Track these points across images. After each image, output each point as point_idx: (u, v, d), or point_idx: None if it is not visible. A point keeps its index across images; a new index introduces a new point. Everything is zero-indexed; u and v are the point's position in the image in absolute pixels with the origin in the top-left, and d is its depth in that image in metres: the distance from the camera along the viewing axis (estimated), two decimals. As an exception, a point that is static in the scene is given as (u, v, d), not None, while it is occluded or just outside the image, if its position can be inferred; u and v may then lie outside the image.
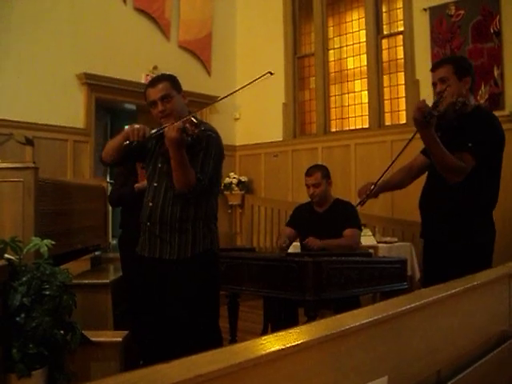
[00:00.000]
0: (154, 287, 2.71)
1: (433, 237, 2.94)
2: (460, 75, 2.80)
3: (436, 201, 2.88)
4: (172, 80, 2.79)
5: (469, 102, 2.76)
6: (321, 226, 3.89)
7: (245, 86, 2.74)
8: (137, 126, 2.57)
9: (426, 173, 3.08)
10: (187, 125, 2.41)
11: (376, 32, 7.61)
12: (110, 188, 5.38)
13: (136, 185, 3.96)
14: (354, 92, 7.94)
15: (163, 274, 2.67)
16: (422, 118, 2.51)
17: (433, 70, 2.94)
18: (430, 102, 2.68)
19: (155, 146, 2.78)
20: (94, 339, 2.89)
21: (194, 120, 2.49)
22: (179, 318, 2.66)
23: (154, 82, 2.76)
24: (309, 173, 4.07)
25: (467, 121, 2.75)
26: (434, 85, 2.90)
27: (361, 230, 4.12)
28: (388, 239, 6.15)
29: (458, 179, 2.70)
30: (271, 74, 2.76)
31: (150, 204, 2.70)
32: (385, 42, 7.62)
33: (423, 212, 3.00)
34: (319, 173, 4.03)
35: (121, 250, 4.15)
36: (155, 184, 2.72)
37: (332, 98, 8.18)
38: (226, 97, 2.80)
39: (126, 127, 2.61)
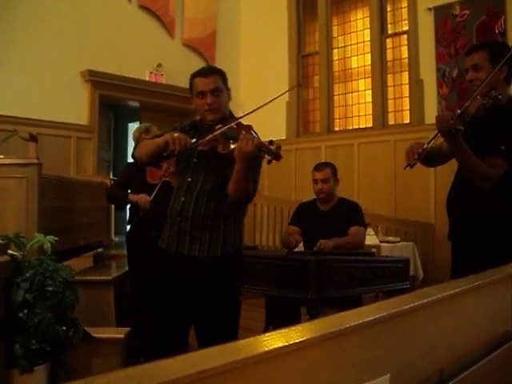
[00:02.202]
0: (177, 283, 2.62)
1: (461, 241, 2.73)
2: (495, 63, 2.48)
3: (464, 203, 2.67)
4: (223, 75, 2.74)
5: (503, 95, 2.45)
6: (325, 225, 3.88)
7: (275, 97, 2.69)
8: (177, 134, 2.47)
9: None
10: (262, 141, 2.38)
11: (380, 31, 7.60)
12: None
13: (130, 196, 3.95)
14: (358, 91, 7.94)
15: (190, 271, 2.59)
16: (448, 130, 2.33)
17: (467, 54, 2.66)
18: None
19: (190, 136, 2.66)
20: (96, 335, 2.90)
21: (254, 133, 2.46)
22: (202, 316, 2.59)
23: (207, 72, 2.68)
24: (318, 168, 4.05)
25: (500, 115, 2.48)
26: (466, 71, 2.65)
27: (365, 229, 4.10)
28: (391, 239, 6.15)
29: (488, 186, 2.49)
30: (299, 85, 2.71)
31: (183, 199, 2.61)
32: (389, 41, 7.61)
33: (450, 214, 2.79)
34: (329, 169, 4.00)
35: (128, 246, 4.13)
36: (189, 179, 2.63)
37: (336, 97, 8.18)
38: (253, 111, 2.70)
39: (168, 136, 2.49)
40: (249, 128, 2.59)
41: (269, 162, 2.44)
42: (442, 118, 2.36)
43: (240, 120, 2.60)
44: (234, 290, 2.69)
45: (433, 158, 2.81)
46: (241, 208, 2.71)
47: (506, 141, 2.47)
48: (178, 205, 2.62)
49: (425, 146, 2.50)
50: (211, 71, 2.70)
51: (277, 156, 2.41)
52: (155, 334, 2.74)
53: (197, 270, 2.58)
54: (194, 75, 2.70)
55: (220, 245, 2.59)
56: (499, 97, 2.40)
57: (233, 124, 2.54)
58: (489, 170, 2.46)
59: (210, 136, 2.52)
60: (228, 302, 2.63)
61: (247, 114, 2.61)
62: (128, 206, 4.31)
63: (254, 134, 2.50)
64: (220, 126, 2.55)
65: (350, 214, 3.92)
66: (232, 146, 2.48)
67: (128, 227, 4.30)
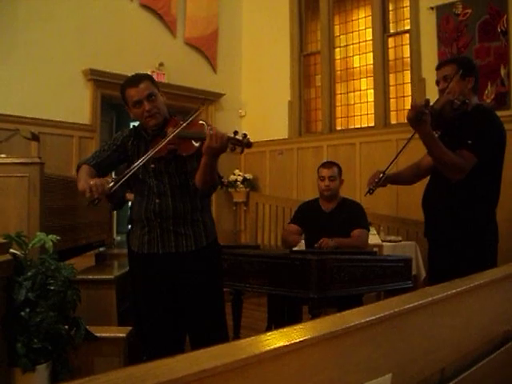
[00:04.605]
0: (167, 282, 2.68)
1: (434, 236, 2.95)
2: (463, 74, 2.81)
3: (437, 200, 2.90)
4: (151, 79, 2.76)
5: (470, 101, 2.76)
6: (328, 225, 3.88)
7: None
8: (93, 182, 2.43)
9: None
10: (236, 135, 2.42)
11: (382, 30, 7.59)
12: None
13: (128, 196, 3.93)
14: (360, 90, 7.93)
15: (181, 267, 2.66)
16: (415, 116, 2.57)
17: (437, 68, 2.97)
18: (433, 101, 2.74)
19: (137, 146, 2.74)
20: (97, 335, 2.89)
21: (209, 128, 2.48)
22: (193, 304, 2.69)
23: (135, 81, 2.69)
24: (326, 165, 4.08)
25: (467, 119, 2.76)
26: (438, 83, 2.94)
27: (369, 231, 4.11)
28: (393, 238, 6.14)
29: (458, 177, 2.71)
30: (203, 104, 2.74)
31: (157, 200, 2.65)
32: (391, 40, 7.60)
33: (425, 211, 3.02)
34: (336, 168, 4.06)
35: (129, 245, 4.12)
36: (155, 181, 2.67)
37: (338, 97, 8.17)
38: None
39: (84, 183, 2.48)
40: (202, 125, 2.61)
41: (241, 151, 2.47)
42: (411, 104, 2.65)
43: (191, 119, 2.60)
44: (220, 274, 2.84)
45: (411, 177, 3.21)
46: (209, 197, 2.83)
47: (472, 136, 2.70)
48: (154, 207, 2.65)
49: (381, 176, 2.93)
50: (140, 78, 2.71)
51: (248, 145, 2.44)
52: (151, 335, 2.78)
53: (187, 264, 2.66)
54: (125, 87, 2.69)
55: (204, 236, 2.70)
56: (466, 101, 2.69)
57: (184, 124, 2.55)
58: (458, 160, 2.68)
59: (166, 141, 2.53)
60: (216, 287, 2.76)
61: (191, 119, 2.61)
62: (130, 206, 4.30)
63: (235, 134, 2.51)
64: (171, 128, 2.57)
65: (353, 216, 3.92)
66: (195, 145, 2.52)
67: (129, 226, 4.28)
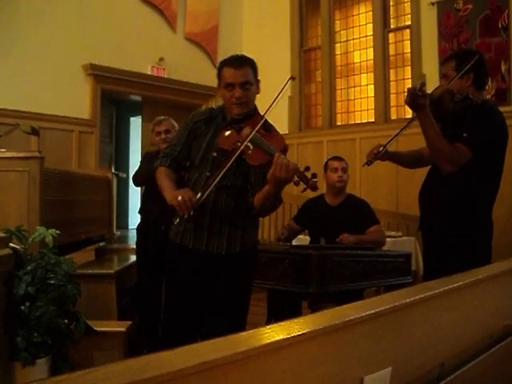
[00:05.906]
0: (192, 278, 2.55)
1: (428, 229, 2.94)
2: (459, 70, 2.74)
3: (432, 193, 2.88)
4: (255, 67, 2.59)
5: (474, 97, 2.69)
6: (334, 219, 3.88)
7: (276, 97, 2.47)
8: (180, 197, 2.28)
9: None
10: (298, 167, 2.27)
11: (383, 26, 7.58)
12: (115, 179, 5.38)
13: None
14: (360, 86, 7.92)
15: (208, 267, 2.52)
16: (410, 99, 2.60)
17: (441, 64, 3.05)
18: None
19: (205, 131, 2.58)
20: (97, 329, 2.89)
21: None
22: (214, 306, 2.55)
23: (239, 62, 2.51)
24: (337, 158, 4.13)
25: (470, 114, 2.72)
26: (440, 78, 2.96)
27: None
28: (393, 233, 6.13)
29: (449, 168, 2.68)
30: (293, 79, 2.58)
31: (199, 194, 2.44)
32: (392, 35, 7.59)
33: (420, 204, 3.00)
34: (345, 162, 4.09)
35: (139, 236, 4.06)
36: (208, 174, 2.48)
37: (338, 92, 8.17)
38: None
39: (172, 198, 2.33)
40: (279, 141, 2.47)
41: (303, 190, 2.38)
42: (407, 90, 2.67)
43: (265, 119, 2.47)
44: (250, 287, 2.66)
45: (411, 161, 3.19)
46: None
47: (469, 130, 2.68)
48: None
49: (381, 149, 2.88)
50: (243, 62, 2.53)
51: (313, 188, 2.33)
52: (168, 327, 2.68)
53: (214, 265, 2.51)
54: (224, 64, 2.53)
55: (239, 242, 2.53)
56: (470, 96, 2.67)
57: (259, 125, 2.40)
58: (452, 150, 2.67)
59: (243, 145, 2.35)
60: (242, 293, 2.59)
61: (267, 111, 2.47)
62: (141, 195, 4.21)
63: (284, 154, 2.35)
64: (248, 128, 2.42)
65: (362, 213, 3.94)
66: (261, 157, 2.35)
67: (139, 217, 4.21)
